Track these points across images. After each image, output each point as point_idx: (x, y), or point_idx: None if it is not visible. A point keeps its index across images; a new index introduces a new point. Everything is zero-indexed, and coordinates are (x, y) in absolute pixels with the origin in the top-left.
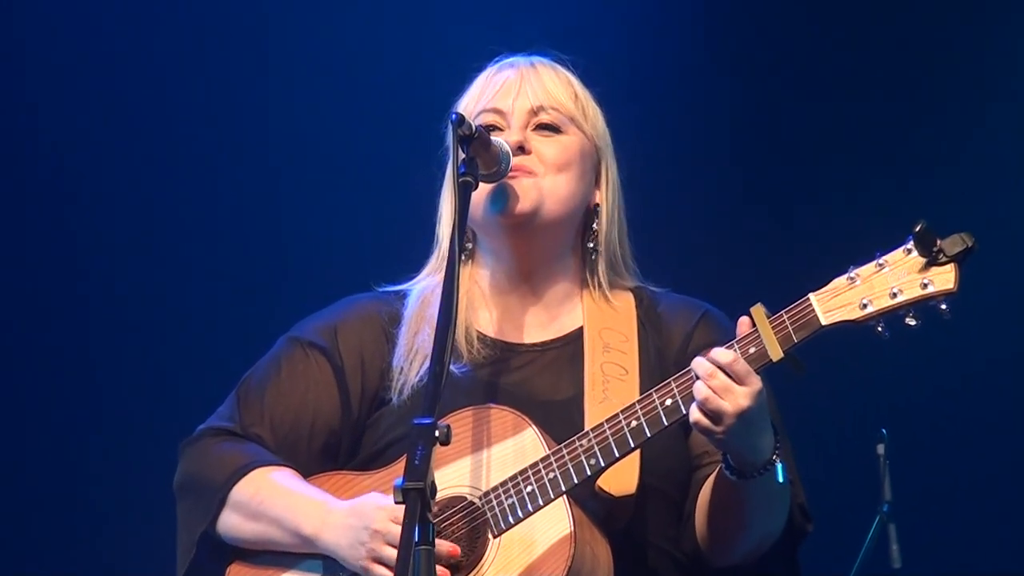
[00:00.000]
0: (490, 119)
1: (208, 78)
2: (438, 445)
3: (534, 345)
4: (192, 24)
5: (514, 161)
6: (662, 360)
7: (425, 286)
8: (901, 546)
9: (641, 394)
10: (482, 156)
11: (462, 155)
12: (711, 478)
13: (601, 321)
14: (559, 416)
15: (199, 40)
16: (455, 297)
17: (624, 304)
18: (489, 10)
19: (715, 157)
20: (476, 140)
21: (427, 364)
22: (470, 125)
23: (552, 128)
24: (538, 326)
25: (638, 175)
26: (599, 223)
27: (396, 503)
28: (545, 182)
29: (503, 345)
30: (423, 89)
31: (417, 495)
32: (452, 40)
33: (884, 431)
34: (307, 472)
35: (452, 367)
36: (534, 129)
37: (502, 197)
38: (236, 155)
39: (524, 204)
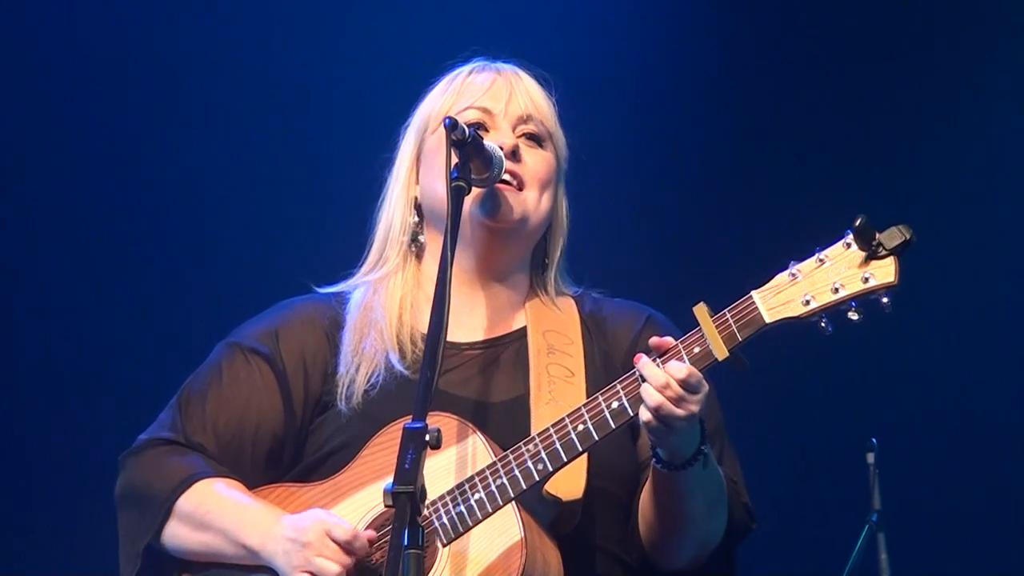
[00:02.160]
0: (476, 117)
1: (152, 80)
2: (428, 450)
3: (477, 343)
4: (138, 25)
5: (507, 165)
6: (608, 364)
7: (365, 290)
8: (890, 555)
9: (588, 397)
10: (474, 161)
11: (455, 160)
12: (649, 479)
13: (544, 323)
14: (504, 417)
15: (144, 40)
16: (446, 302)
17: (567, 308)
18: (439, 15)
19: (655, 156)
20: (469, 144)
21: (376, 370)
22: (463, 129)
23: (537, 139)
24: (480, 326)
25: (583, 175)
26: (552, 238)
27: (386, 507)
28: (531, 196)
29: (446, 344)
30: (365, 90)
31: (407, 499)
32: (392, 42)
33: (874, 440)
34: (251, 480)
35: (397, 369)
36: (519, 137)
37: (493, 203)
38: (165, 157)
39: (514, 214)
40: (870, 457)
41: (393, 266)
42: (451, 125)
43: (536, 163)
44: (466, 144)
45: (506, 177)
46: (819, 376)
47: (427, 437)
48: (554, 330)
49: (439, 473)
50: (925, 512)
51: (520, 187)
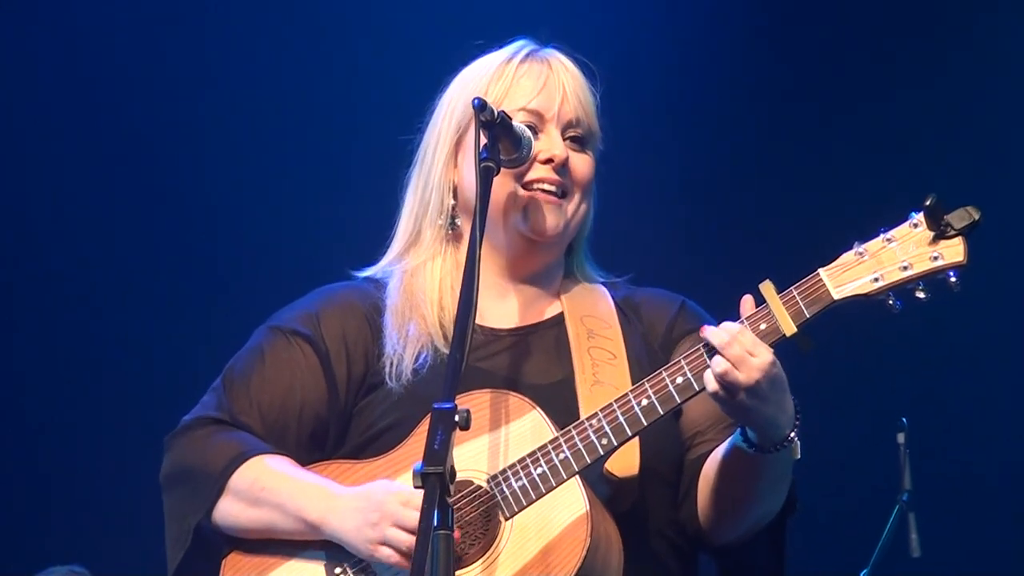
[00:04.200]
0: (526, 119)
1: (181, 77)
2: (457, 430)
3: (515, 329)
4: (158, 21)
5: (553, 176)
6: (648, 346)
7: (402, 276)
8: (920, 535)
9: (632, 377)
10: (503, 141)
11: (483, 140)
12: (718, 453)
13: (581, 308)
14: (551, 399)
15: (166, 37)
16: (475, 284)
17: (600, 294)
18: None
19: (704, 142)
20: (498, 125)
21: (423, 352)
22: (492, 111)
23: (581, 142)
24: (518, 312)
25: (631, 160)
26: (580, 228)
27: (415, 488)
28: (572, 205)
29: (485, 330)
30: (389, 79)
31: (436, 479)
32: (412, 30)
33: (904, 420)
34: (296, 462)
35: (443, 352)
36: (565, 140)
37: (536, 218)
38: (202, 148)
39: (556, 228)
40: (900, 437)
41: (430, 251)
42: (479, 106)
43: (580, 168)
44: (495, 125)
45: (551, 188)
46: (850, 355)
47: (456, 418)
48: (591, 315)
49: (499, 448)
50: (956, 492)
51: (563, 195)
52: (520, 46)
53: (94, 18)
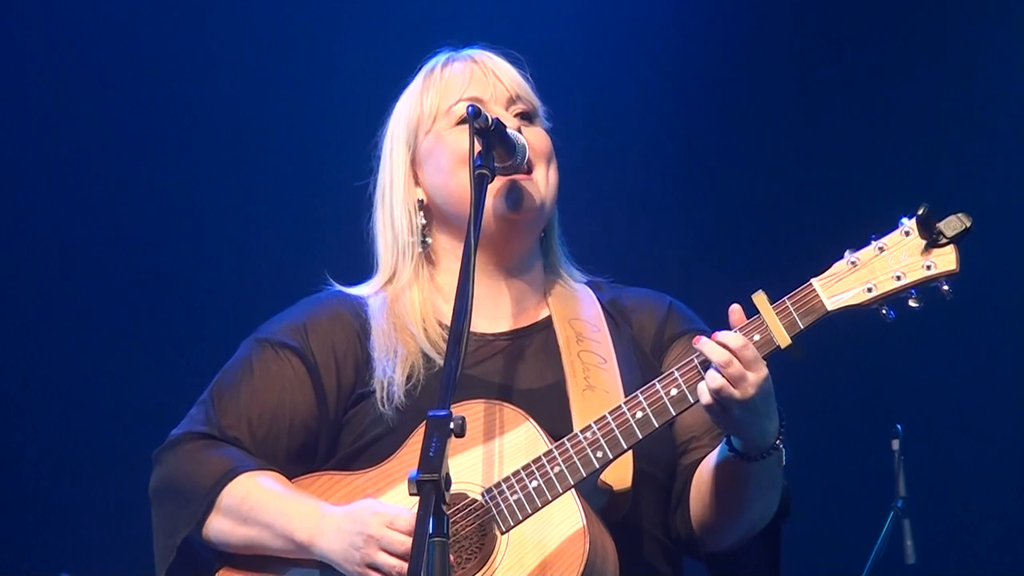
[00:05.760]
0: None
1: (167, 88)
2: (452, 437)
3: (504, 334)
4: (140, 22)
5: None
6: (637, 349)
7: (384, 299)
8: (915, 542)
9: (623, 382)
10: (497, 149)
11: (478, 148)
12: (709, 460)
13: (568, 312)
14: (542, 403)
15: (151, 38)
16: (469, 291)
17: (586, 296)
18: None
19: (696, 147)
20: (492, 132)
21: (413, 369)
22: (487, 118)
23: (528, 117)
24: (505, 316)
25: (620, 167)
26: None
27: (411, 495)
28: (540, 176)
29: (475, 335)
30: (369, 89)
31: (432, 487)
32: (407, 34)
33: (899, 427)
34: (285, 473)
35: (435, 363)
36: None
37: (516, 195)
38: (192, 157)
39: (535, 202)
40: (895, 443)
41: (408, 275)
42: (474, 113)
43: (536, 140)
44: (489, 132)
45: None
46: (844, 362)
47: (451, 425)
48: (579, 319)
49: (492, 461)
50: (951, 498)
51: (529, 170)
52: (437, 56)
53: (76, 21)
